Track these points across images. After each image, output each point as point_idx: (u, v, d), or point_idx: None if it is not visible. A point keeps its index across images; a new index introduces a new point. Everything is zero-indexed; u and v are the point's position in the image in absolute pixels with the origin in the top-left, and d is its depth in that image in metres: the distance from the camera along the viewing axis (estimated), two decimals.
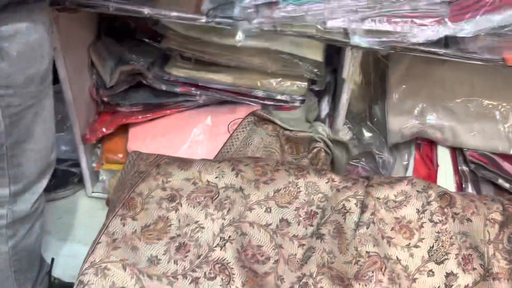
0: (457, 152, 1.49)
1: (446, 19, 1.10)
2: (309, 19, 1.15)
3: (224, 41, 1.38)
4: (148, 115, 1.55)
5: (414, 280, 0.96)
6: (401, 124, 1.48)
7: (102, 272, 0.89)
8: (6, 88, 0.91)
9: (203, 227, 0.97)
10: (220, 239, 0.96)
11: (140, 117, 1.56)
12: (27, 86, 0.94)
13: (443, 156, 1.50)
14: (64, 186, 1.74)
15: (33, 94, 0.96)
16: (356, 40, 1.15)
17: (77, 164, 1.71)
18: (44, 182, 1.13)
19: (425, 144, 1.54)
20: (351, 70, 1.28)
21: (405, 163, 1.55)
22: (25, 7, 0.87)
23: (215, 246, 0.95)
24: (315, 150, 1.37)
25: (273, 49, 1.39)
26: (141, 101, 1.56)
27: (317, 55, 1.41)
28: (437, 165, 1.48)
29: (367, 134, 1.58)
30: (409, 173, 1.48)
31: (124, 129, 1.59)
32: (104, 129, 1.57)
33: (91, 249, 0.92)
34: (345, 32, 1.17)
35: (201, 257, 0.94)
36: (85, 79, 1.54)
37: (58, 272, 1.48)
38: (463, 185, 1.42)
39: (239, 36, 1.19)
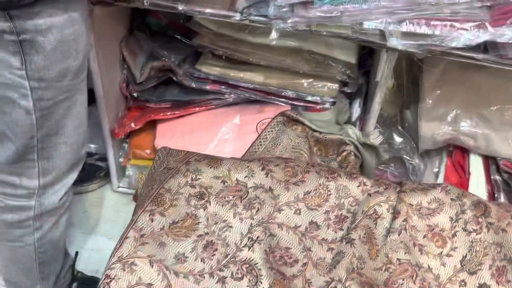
0: (490, 160, 1.46)
1: (487, 24, 1.06)
2: (344, 19, 1.13)
3: (256, 40, 1.37)
4: (176, 112, 1.55)
5: None
6: (433, 130, 1.45)
7: (129, 267, 0.88)
8: (39, 81, 0.91)
9: (231, 226, 0.96)
10: (248, 239, 0.94)
11: (168, 113, 1.55)
12: (61, 80, 0.94)
13: (476, 164, 1.46)
14: (91, 180, 1.75)
15: (66, 88, 0.96)
16: (393, 42, 1.12)
17: (104, 159, 1.71)
18: (73, 176, 1.13)
19: (457, 152, 1.50)
20: (385, 73, 1.26)
21: (436, 170, 1.52)
22: (62, 0, 0.87)
23: (243, 246, 0.94)
24: (344, 153, 1.35)
25: (305, 49, 1.37)
26: (170, 98, 1.56)
27: (351, 57, 1.39)
28: (469, 173, 1.45)
29: (397, 139, 1.55)
30: (440, 180, 1.45)
31: (152, 125, 1.59)
32: (132, 124, 1.57)
33: (119, 243, 0.92)
34: (382, 34, 1.14)
35: (229, 257, 0.92)
36: (116, 74, 1.55)
37: (81, 265, 1.49)
38: (495, 195, 1.38)
39: (273, 35, 1.17)
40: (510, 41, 1.06)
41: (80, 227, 1.65)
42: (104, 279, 0.88)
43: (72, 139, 1.04)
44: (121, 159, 1.67)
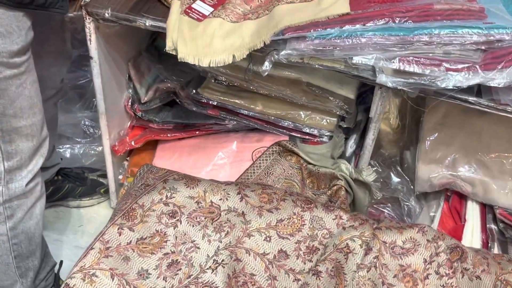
0: (487, 208, 1.42)
1: (478, 67, 1.05)
2: (336, 53, 1.14)
3: (256, 68, 1.38)
4: (177, 134, 1.57)
5: None
6: (430, 172, 1.43)
7: (89, 278, 0.88)
8: None
9: (198, 247, 0.96)
10: (213, 262, 0.94)
11: (169, 134, 1.57)
12: (6, 56, 0.98)
13: (472, 211, 1.42)
14: (91, 195, 1.77)
15: (13, 65, 1.00)
16: (382, 79, 1.12)
17: (106, 175, 1.73)
18: (39, 160, 1.15)
19: (455, 197, 1.47)
20: (378, 110, 1.25)
21: (432, 214, 1.49)
22: None
23: (207, 268, 0.93)
24: (335, 187, 1.33)
25: (304, 81, 1.38)
26: (173, 120, 1.58)
27: (349, 92, 1.39)
28: (465, 220, 1.41)
29: (395, 179, 1.53)
30: (435, 224, 1.42)
31: (153, 144, 1.61)
32: (133, 143, 1.59)
33: (84, 254, 0.92)
34: (373, 70, 1.14)
35: (191, 277, 0.92)
36: (121, 92, 1.58)
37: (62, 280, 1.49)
38: (489, 244, 1.34)
39: (266, 65, 1.18)
40: (500, 86, 1.04)
41: (74, 241, 1.67)
42: (64, 287, 0.88)
43: (30, 121, 1.08)
44: (120, 176, 1.68)
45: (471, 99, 1.12)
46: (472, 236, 1.37)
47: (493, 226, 1.38)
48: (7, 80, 1.01)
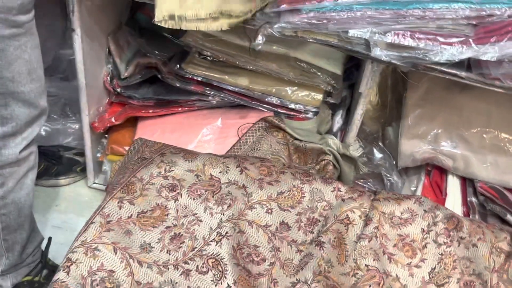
0: (467, 182, 1.46)
1: (471, 40, 1.07)
2: (330, 27, 1.13)
3: (243, 43, 1.37)
4: (158, 110, 1.54)
5: None
6: (413, 147, 1.45)
7: (92, 252, 0.86)
8: None
9: (200, 220, 0.95)
10: (217, 234, 0.93)
11: (150, 111, 1.54)
12: (4, 11, 0.93)
13: (453, 186, 1.46)
14: (67, 174, 1.72)
15: (12, 24, 0.96)
16: (377, 52, 1.13)
17: (82, 153, 1.69)
18: (34, 129, 1.12)
19: (435, 171, 1.50)
20: (368, 85, 1.26)
21: (413, 188, 1.51)
22: None
23: (211, 241, 0.92)
24: (323, 162, 1.34)
25: (292, 56, 1.38)
26: (154, 96, 1.54)
27: (336, 68, 1.40)
28: (446, 194, 1.45)
29: (378, 155, 1.55)
30: None
31: (133, 121, 1.58)
32: (113, 119, 1.55)
33: (84, 228, 0.90)
34: (367, 44, 1.15)
35: (195, 250, 0.91)
36: (101, 67, 1.53)
37: (50, 257, 1.46)
38: (470, 217, 1.38)
39: (259, 39, 1.17)
40: (493, 59, 1.07)
41: (51, 220, 1.62)
42: (65, 262, 0.86)
43: (28, 87, 1.04)
44: (98, 154, 1.65)
45: (463, 73, 1.13)
46: (453, 209, 1.40)
47: (473, 199, 1.42)
48: (4, 40, 0.97)
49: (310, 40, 1.17)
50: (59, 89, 1.72)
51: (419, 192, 1.48)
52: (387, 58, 1.13)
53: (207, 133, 1.48)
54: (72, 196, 1.71)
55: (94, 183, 1.71)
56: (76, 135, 1.74)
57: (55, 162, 1.70)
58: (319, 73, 1.38)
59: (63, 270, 0.85)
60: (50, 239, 1.43)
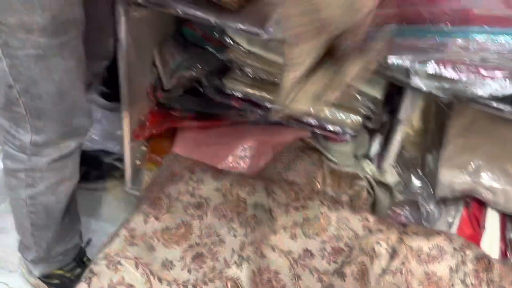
0: (507, 218, 1.40)
1: None
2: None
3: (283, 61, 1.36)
4: (198, 123, 1.55)
5: None
6: (452, 178, 1.41)
7: (114, 266, 0.88)
8: (0, 25, 0.92)
9: (223, 241, 0.95)
10: (238, 257, 0.93)
11: (189, 123, 1.56)
12: (24, 32, 0.94)
13: (492, 220, 1.41)
14: (106, 179, 1.76)
15: (35, 44, 0.96)
16: (416, 81, 1.10)
17: (122, 159, 1.73)
18: (68, 145, 1.14)
19: (474, 204, 1.45)
20: (408, 112, 1.24)
21: (451, 220, 1.47)
22: None
23: (232, 263, 0.92)
24: (357, 187, 1.32)
25: None
26: (194, 108, 1.56)
27: (377, 92, 1.37)
28: (484, 228, 1.40)
29: (416, 183, 1.51)
30: (453, 231, 1.40)
31: (172, 132, 1.60)
32: (153, 129, 1.58)
33: (109, 240, 0.92)
34: (407, 72, 1.12)
35: (216, 271, 0.91)
36: (145, 77, 1.56)
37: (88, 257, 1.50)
38: (508, 254, 1.33)
39: None
40: None
41: (88, 223, 1.67)
42: (87, 273, 0.87)
43: (59, 107, 1.06)
44: (137, 162, 1.68)
45: (506, 108, 1.10)
46: (490, 245, 1.36)
47: None
48: (30, 59, 0.98)
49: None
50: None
51: (456, 224, 1.43)
52: (426, 88, 1.11)
53: (243, 149, 1.48)
54: (110, 201, 1.75)
55: (131, 188, 1.74)
56: (117, 141, 1.78)
57: (96, 167, 1.74)
58: (359, 97, 1.36)
59: (84, 281, 0.87)
60: (89, 240, 1.47)
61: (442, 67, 1.07)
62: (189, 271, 0.91)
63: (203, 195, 1.00)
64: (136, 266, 0.88)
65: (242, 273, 0.91)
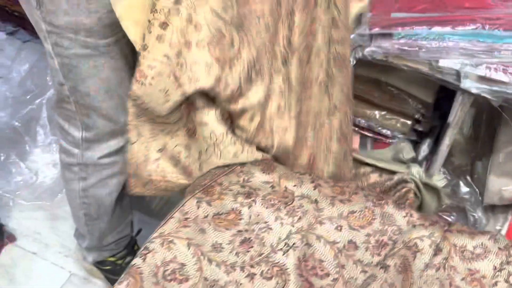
0: None
1: None
2: (421, 55, 1.15)
3: None
4: None
5: None
6: (502, 185, 1.41)
7: (167, 245, 0.93)
8: (51, 26, 0.98)
9: (271, 228, 0.99)
10: (285, 245, 0.97)
11: None
12: (74, 33, 0.99)
13: None
14: None
15: (84, 44, 1.01)
16: (466, 84, 1.12)
17: None
18: (117, 142, 1.20)
19: None
20: (458, 116, 1.25)
21: (499, 227, 1.46)
22: None
23: (278, 250, 0.96)
24: (404, 190, 1.34)
25: (383, 81, 1.39)
26: None
27: (427, 96, 1.39)
28: None
29: (464, 189, 1.52)
30: None
31: None
32: None
33: (164, 221, 0.97)
34: (457, 75, 1.14)
35: (262, 256, 0.95)
36: None
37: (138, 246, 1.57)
38: None
39: (351, 61, 1.20)
40: None
41: (137, 216, 1.74)
42: (143, 250, 0.93)
43: (106, 104, 1.11)
44: None
45: None
46: None
47: None
48: (78, 58, 1.03)
49: (401, 66, 1.19)
50: None
51: (504, 232, 1.42)
52: (477, 91, 1.12)
53: None
54: (158, 197, 1.81)
55: None
56: None
57: None
58: (409, 100, 1.38)
59: (139, 257, 0.92)
60: (139, 230, 1.54)
61: (492, 70, 1.09)
62: (237, 254, 0.95)
63: (253, 186, 1.05)
64: (188, 246, 0.93)
65: (288, 260, 0.94)
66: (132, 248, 1.52)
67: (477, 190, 1.50)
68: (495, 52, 1.08)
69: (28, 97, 1.86)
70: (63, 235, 1.65)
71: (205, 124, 1.06)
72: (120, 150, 1.22)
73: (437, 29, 1.12)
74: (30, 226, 1.67)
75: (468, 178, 1.53)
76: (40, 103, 1.83)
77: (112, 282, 1.51)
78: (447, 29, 1.12)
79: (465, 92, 1.16)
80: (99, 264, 1.51)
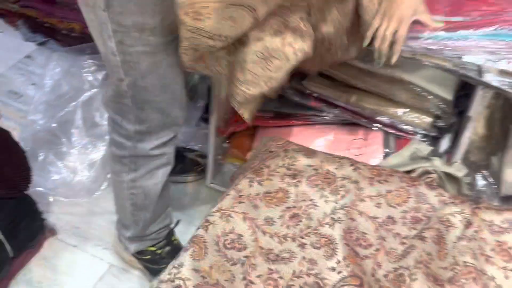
0: None
1: None
2: (446, 53, 1.26)
3: (361, 65, 1.51)
4: (277, 122, 1.71)
5: None
6: None
7: (226, 218, 1.03)
8: (118, 25, 1.07)
9: (316, 205, 1.09)
10: (330, 219, 1.06)
11: (269, 122, 1.72)
12: (138, 32, 1.08)
13: None
14: (189, 173, 1.94)
15: (146, 42, 1.10)
16: (488, 78, 1.23)
17: (203, 156, 1.90)
18: (168, 134, 1.29)
19: None
20: (478, 109, 1.35)
21: None
22: None
23: (325, 223, 1.06)
24: (428, 179, 1.43)
25: (406, 80, 1.50)
26: (273, 109, 1.72)
27: (448, 94, 1.50)
28: None
29: (480, 182, 1.62)
30: None
31: (252, 130, 1.76)
32: (236, 126, 1.74)
33: (221, 198, 1.07)
34: (479, 70, 1.25)
35: (311, 229, 1.05)
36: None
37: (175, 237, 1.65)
38: None
39: (377, 62, 1.31)
40: None
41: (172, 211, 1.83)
42: (204, 223, 1.03)
43: (161, 98, 1.20)
44: (219, 156, 1.84)
45: None
46: None
47: None
48: (139, 55, 1.13)
49: (426, 63, 1.30)
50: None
51: None
52: (497, 84, 1.23)
53: (319, 145, 1.62)
54: (192, 193, 1.91)
55: (211, 183, 1.90)
56: (199, 140, 1.96)
57: (179, 161, 1.91)
58: (430, 97, 1.49)
59: (202, 228, 1.02)
60: (178, 221, 1.63)
61: None
62: (287, 227, 1.05)
63: (297, 169, 1.15)
64: (244, 220, 1.03)
65: (334, 232, 1.04)
66: (170, 238, 1.61)
67: (493, 183, 1.60)
68: None
69: (62, 100, 1.96)
70: (101, 229, 1.74)
71: None
72: (168, 142, 1.32)
73: (460, 31, 1.24)
74: (69, 221, 1.76)
75: (485, 172, 1.63)
76: (74, 106, 1.93)
77: (152, 271, 1.59)
78: (470, 31, 1.24)
79: (486, 86, 1.26)
80: (139, 254, 1.59)
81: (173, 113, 1.27)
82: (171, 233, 1.61)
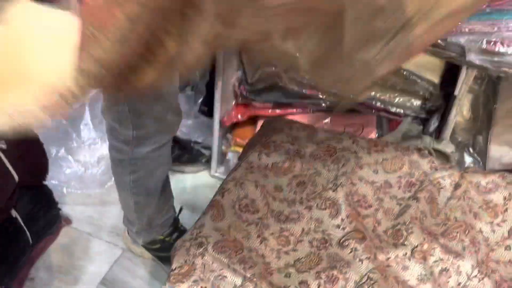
0: None
1: None
2: None
3: None
4: (276, 111, 1.83)
5: (492, 250, 1.12)
6: (501, 152, 1.64)
7: (239, 185, 1.14)
8: None
9: (320, 173, 1.20)
10: (333, 184, 1.18)
11: (269, 111, 1.83)
12: None
13: None
14: (194, 163, 2.04)
15: None
16: (471, 57, 1.35)
17: (207, 147, 2.01)
18: (164, 138, 1.35)
19: None
20: (463, 88, 1.48)
21: None
22: None
23: (328, 188, 1.17)
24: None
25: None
26: (273, 100, 1.84)
27: (434, 77, 1.63)
28: None
29: (467, 159, 1.74)
30: None
31: (253, 120, 1.88)
32: (239, 116, 1.86)
33: (234, 168, 1.18)
34: (462, 51, 1.37)
35: (316, 193, 1.16)
36: (232, 72, 1.85)
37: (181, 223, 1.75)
38: None
39: None
40: None
41: (177, 200, 1.92)
42: (220, 190, 1.14)
43: (155, 108, 1.26)
44: (223, 147, 1.95)
45: None
46: None
47: None
48: None
49: None
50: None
51: None
52: (480, 63, 1.35)
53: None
54: (196, 182, 2.02)
55: (216, 172, 2.01)
56: (204, 132, 2.07)
57: (186, 152, 2.02)
58: (419, 81, 1.62)
59: (218, 195, 1.13)
60: (181, 208, 1.72)
61: (494, 44, 1.32)
62: (295, 193, 1.16)
63: (301, 144, 1.26)
64: (256, 187, 1.14)
65: (337, 194, 1.15)
66: (176, 225, 1.69)
67: (479, 159, 1.73)
68: (495, 28, 1.31)
69: None
70: (113, 218, 1.83)
71: None
72: (165, 145, 1.39)
73: None
74: (83, 211, 1.85)
75: (471, 150, 1.76)
76: (82, 104, 2.03)
77: (162, 259, 1.68)
78: None
79: (469, 65, 1.39)
80: (148, 244, 1.68)
81: (168, 119, 1.34)
82: (176, 221, 1.69)
